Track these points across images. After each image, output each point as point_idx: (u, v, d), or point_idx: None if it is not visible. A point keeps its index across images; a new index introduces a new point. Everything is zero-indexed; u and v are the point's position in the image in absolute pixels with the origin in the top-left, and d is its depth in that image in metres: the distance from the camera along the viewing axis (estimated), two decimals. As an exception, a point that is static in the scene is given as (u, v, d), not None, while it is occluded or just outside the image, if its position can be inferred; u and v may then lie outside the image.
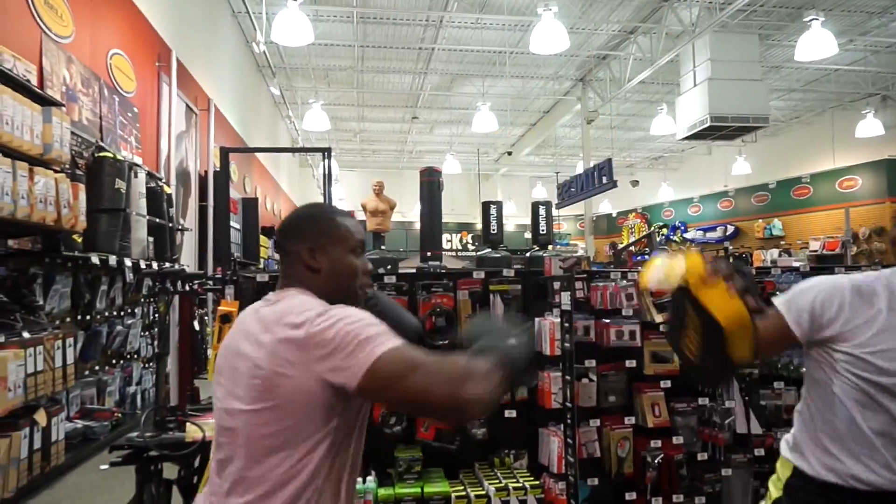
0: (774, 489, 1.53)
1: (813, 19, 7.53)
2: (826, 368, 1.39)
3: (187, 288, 2.65)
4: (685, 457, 2.77)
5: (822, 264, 6.81)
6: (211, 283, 2.72)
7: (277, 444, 1.15)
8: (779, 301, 1.41)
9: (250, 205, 8.66)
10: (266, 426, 1.15)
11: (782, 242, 13.52)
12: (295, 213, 1.39)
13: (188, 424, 2.41)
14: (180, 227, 5.74)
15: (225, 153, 4.27)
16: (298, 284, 1.31)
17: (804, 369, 1.49)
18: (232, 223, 7.33)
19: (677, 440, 2.78)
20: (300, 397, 1.13)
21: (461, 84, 12.13)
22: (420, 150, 17.60)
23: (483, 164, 16.90)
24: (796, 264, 4.28)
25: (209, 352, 2.36)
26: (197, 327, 5.79)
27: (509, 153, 17.13)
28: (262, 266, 8.73)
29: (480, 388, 1.10)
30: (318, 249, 1.31)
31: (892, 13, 8.96)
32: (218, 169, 6.74)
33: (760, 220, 14.09)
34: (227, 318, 2.34)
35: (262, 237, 9.26)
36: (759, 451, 2.86)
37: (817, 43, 7.53)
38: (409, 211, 17.13)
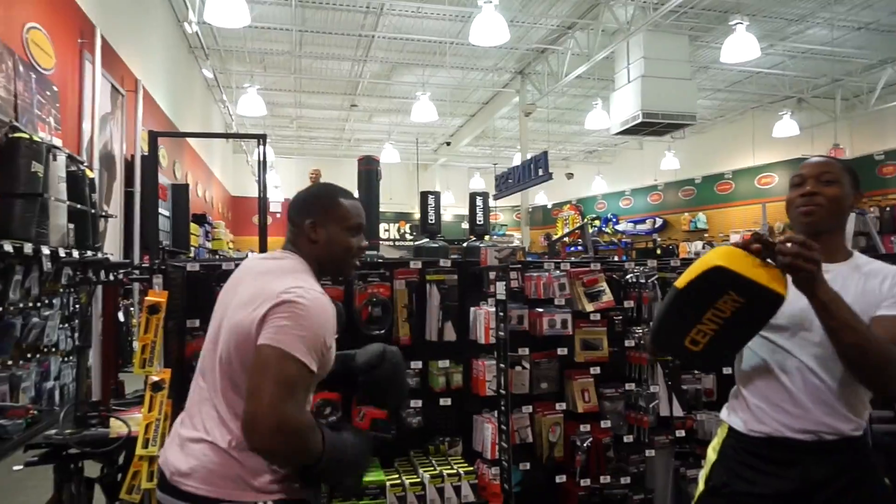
0: (712, 453, 1.68)
1: (738, 23, 7.89)
2: None
3: (111, 278, 2.54)
4: (612, 440, 2.90)
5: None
6: (137, 272, 2.61)
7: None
8: None
9: (180, 191, 8.33)
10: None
11: (706, 235, 14.19)
12: (307, 190, 1.62)
13: (112, 420, 2.33)
14: (104, 214, 5.47)
15: (153, 137, 4.09)
16: (299, 252, 1.54)
17: None
18: (161, 210, 7.02)
19: (605, 424, 2.89)
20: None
21: (401, 73, 12.05)
22: (358, 138, 17.39)
23: (422, 153, 16.87)
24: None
25: (135, 344, 2.27)
26: (122, 318, 5.55)
27: (448, 143, 17.17)
28: (192, 255, 8.44)
29: (281, 445, 1.29)
30: (318, 224, 1.53)
31: (808, 21, 9.50)
32: (146, 153, 6.45)
33: (686, 214, 14.73)
34: (154, 310, 2.26)
35: (192, 225, 8.93)
36: (680, 433, 3.01)
37: (741, 46, 7.90)
38: (346, 199, 16.90)
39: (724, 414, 1.69)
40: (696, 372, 3.12)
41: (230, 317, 1.45)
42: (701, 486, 1.67)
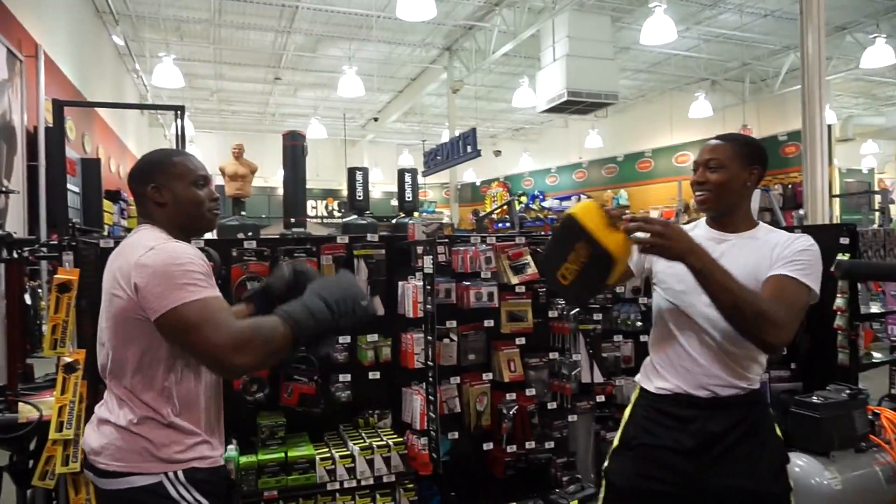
0: (627, 412, 1.81)
1: (656, 6, 8.17)
2: (654, 289, 1.79)
3: (15, 255, 2.38)
4: (537, 407, 3.00)
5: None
6: (45, 250, 2.46)
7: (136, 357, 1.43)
8: None
9: (91, 166, 7.84)
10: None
11: (628, 212, 14.74)
12: (140, 159, 1.60)
13: (21, 405, 2.21)
14: (4, 189, 5.10)
15: (58, 107, 3.84)
16: (151, 221, 1.53)
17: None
18: (70, 186, 6.61)
19: (530, 392, 3.00)
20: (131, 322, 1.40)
21: (327, 46, 11.75)
22: (283, 112, 16.88)
23: (349, 129, 16.58)
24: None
25: (45, 327, 2.16)
26: (29, 301, 5.23)
27: (376, 119, 16.96)
28: (107, 233, 8.00)
29: (250, 357, 1.33)
30: (161, 186, 1.52)
31: (721, 7, 9.95)
32: (50, 125, 6.03)
33: (609, 191, 15.23)
34: (65, 288, 2.15)
35: (106, 202, 8.44)
36: (601, 398, 3.16)
37: (660, 28, 8.20)
38: (271, 176, 16.46)
39: (638, 377, 1.82)
40: (615, 340, 3.28)
41: (103, 310, 1.49)
42: (615, 442, 1.80)
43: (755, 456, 1.62)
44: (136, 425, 1.43)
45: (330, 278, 1.56)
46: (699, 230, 1.76)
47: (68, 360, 2.10)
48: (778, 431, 1.73)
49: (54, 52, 7.29)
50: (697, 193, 1.71)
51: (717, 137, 1.75)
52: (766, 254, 1.63)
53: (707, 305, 1.57)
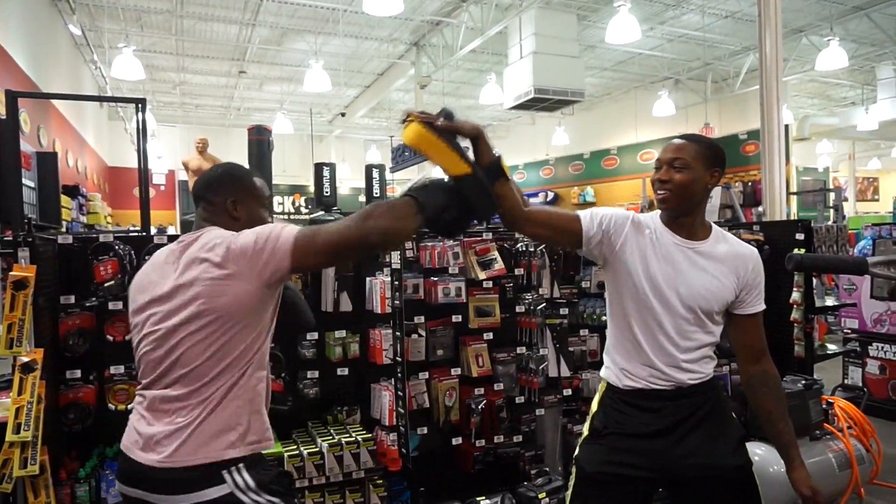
0: (595, 405, 1.85)
1: (621, 5, 8.27)
2: (612, 289, 1.78)
3: (-32, 252, 2.30)
4: (505, 401, 3.04)
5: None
6: (0, 246, 2.39)
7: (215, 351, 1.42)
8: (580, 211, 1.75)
9: (47, 160, 7.58)
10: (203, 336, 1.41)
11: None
12: (220, 169, 1.67)
13: (-25, 405, 2.14)
14: (-45, 184, 4.89)
15: (12, 98, 3.71)
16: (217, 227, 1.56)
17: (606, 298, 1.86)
18: (25, 181, 6.39)
19: (498, 387, 3.03)
20: (238, 306, 1.41)
21: (292, 39, 11.58)
22: (248, 107, 16.59)
23: (316, 125, 16.38)
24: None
25: (0, 327, 2.09)
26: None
27: (343, 115, 16.81)
28: (65, 229, 7.76)
29: (375, 221, 1.38)
30: (239, 202, 1.60)
31: (683, 7, 10.14)
32: (3, 117, 5.82)
33: (576, 188, 15.41)
34: (21, 285, 2.08)
35: (64, 197, 8.18)
36: (568, 392, 3.21)
37: (624, 27, 8.30)
38: (237, 171, 16.13)
39: (603, 372, 1.86)
40: (581, 335, 3.33)
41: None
42: (585, 433, 1.85)
43: (716, 433, 1.72)
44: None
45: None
46: (655, 228, 1.74)
47: (25, 359, 2.04)
48: (733, 414, 1.84)
49: (7, 42, 7.04)
50: (659, 192, 1.70)
51: (682, 137, 1.74)
52: (731, 279, 1.71)
53: (676, 311, 1.67)
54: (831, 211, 8.95)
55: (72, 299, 2.43)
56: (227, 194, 1.59)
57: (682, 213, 1.72)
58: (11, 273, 2.09)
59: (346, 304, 2.83)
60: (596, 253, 1.74)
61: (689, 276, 1.68)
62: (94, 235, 2.49)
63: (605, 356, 1.86)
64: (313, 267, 1.68)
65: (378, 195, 5.42)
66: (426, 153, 1.51)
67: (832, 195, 9.56)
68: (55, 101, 9.50)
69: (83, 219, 9.37)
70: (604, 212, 1.74)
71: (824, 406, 3.00)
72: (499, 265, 3.00)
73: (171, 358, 1.42)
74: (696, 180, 1.67)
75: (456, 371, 2.97)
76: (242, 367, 1.44)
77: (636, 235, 1.71)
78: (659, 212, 1.77)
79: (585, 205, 15.12)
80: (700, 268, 1.69)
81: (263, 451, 1.52)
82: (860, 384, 4.59)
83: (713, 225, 1.79)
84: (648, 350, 1.70)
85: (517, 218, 1.66)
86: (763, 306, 1.76)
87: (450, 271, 2.92)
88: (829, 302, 3.74)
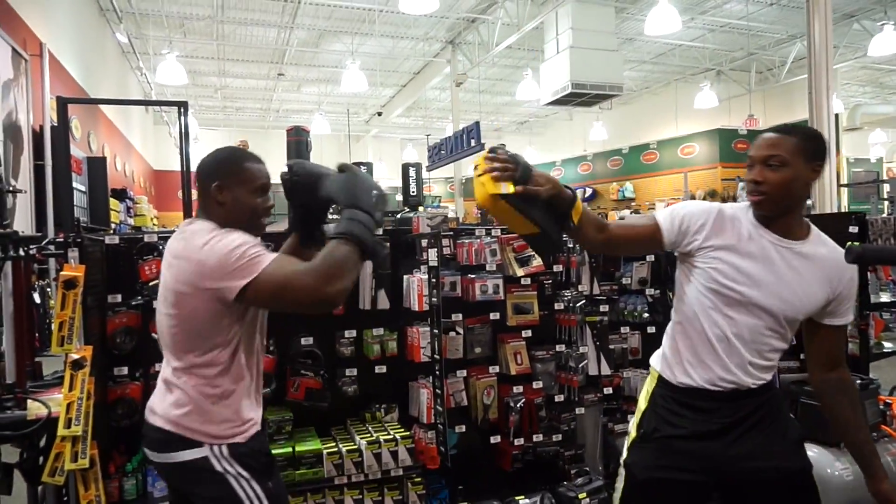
0: (643, 401, 1.75)
1: (661, -5, 8.11)
2: (688, 282, 1.65)
3: (21, 253, 2.39)
4: (544, 400, 2.99)
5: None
6: (52, 247, 2.47)
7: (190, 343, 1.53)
8: (658, 212, 1.65)
9: (97, 165, 7.85)
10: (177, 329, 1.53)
11: (633, 204, 14.67)
12: (212, 154, 1.63)
13: (29, 402, 2.22)
14: (11, 189, 5.10)
15: (62, 104, 3.84)
16: (206, 216, 1.57)
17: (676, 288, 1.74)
18: (76, 185, 6.63)
19: (537, 385, 2.99)
20: (199, 311, 1.47)
21: (330, 41, 11.73)
22: (287, 108, 16.88)
23: (353, 124, 16.57)
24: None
25: (54, 325, 2.16)
26: (38, 300, 5.25)
27: (380, 114, 16.93)
28: (113, 231, 8.02)
29: (340, 283, 1.37)
30: (224, 187, 1.56)
31: (726, -5, 9.88)
32: (55, 123, 6.04)
33: (615, 183, 15.15)
34: (71, 285, 2.15)
35: (112, 200, 8.47)
36: (608, 390, 3.15)
37: (664, 19, 8.13)
38: (275, 173, 16.43)
39: (654, 361, 1.76)
40: (622, 332, 3.26)
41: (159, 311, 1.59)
42: (633, 434, 1.75)
43: (775, 434, 1.61)
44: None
45: (340, 178, 1.53)
46: (745, 223, 1.59)
47: (75, 356, 2.10)
48: (790, 414, 1.75)
49: (58, 51, 7.31)
50: (751, 196, 1.54)
51: (777, 129, 1.54)
52: (825, 288, 1.57)
53: (757, 321, 1.57)
54: (885, 203, 8.58)
55: (118, 298, 2.50)
56: (211, 178, 1.57)
57: (780, 215, 1.55)
58: (62, 273, 2.16)
59: (384, 302, 2.84)
60: (683, 252, 1.65)
61: (781, 278, 1.55)
62: (139, 236, 2.56)
63: (664, 344, 1.74)
64: (262, 307, 1.58)
65: (415, 193, 5.44)
66: (495, 217, 1.50)
67: (887, 187, 9.16)
68: (104, 108, 9.84)
69: (130, 221, 9.68)
70: (683, 210, 1.62)
71: (881, 407, 2.87)
72: (537, 261, 2.95)
73: (163, 341, 1.61)
74: (796, 178, 1.49)
75: (494, 369, 2.94)
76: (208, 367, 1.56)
77: (722, 231, 1.58)
78: (748, 206, 1.62)
79: (625, 200, 14.86)
80: (796, 271, 1.54)
81: (244, 435, 1.60)
82: (919, 384, 4.37)
83: (810, 223, 1.62)
84: (719, 349, 1.59)
85: (596, 249, 1.65)
86: (851, 317, 1.62)
87: (487, 268, 2.89)
88: (885, 298, 3.56)
